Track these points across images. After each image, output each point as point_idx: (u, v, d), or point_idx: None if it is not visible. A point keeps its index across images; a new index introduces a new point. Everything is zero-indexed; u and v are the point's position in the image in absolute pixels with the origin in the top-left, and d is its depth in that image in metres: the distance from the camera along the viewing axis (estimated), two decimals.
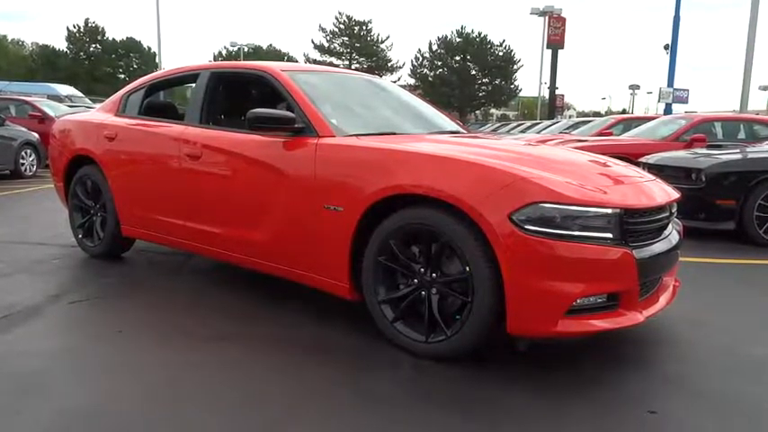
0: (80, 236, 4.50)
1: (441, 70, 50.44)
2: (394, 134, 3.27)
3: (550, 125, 19.05)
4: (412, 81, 50.74)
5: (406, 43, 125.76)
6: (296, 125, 3.07)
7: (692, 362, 2.74)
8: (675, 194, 2.97)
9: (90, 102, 20.84)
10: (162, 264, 4.40)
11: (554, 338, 2.64)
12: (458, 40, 50.22)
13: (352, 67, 52.29)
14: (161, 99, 4.47)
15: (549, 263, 2.34)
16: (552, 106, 36.72)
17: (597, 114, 66.67)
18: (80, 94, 23.75)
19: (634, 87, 62.70)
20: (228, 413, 2.17)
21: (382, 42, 52.12)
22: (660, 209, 2.73)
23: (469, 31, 50.12)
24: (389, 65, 52.07)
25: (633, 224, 2.51)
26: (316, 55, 52.56)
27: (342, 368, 2.61)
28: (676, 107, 20.98)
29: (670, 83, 20.18)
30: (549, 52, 35.84)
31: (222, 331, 3.00)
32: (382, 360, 2.66)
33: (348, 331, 2.99)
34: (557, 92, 37.08)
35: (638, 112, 60.22)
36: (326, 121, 3.10)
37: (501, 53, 49.87)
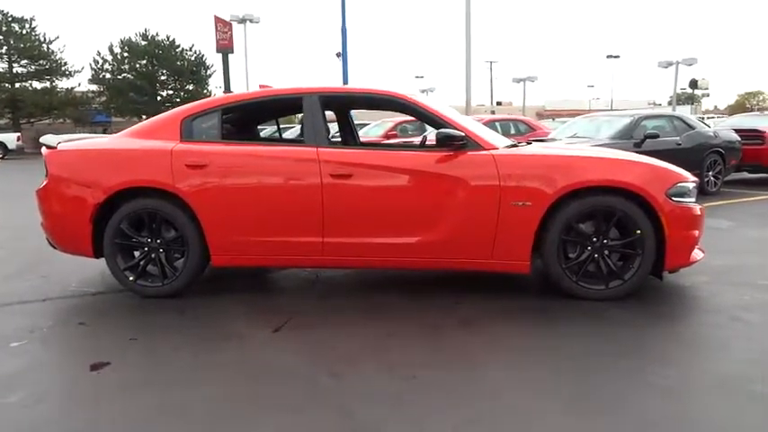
0: (131, 278, 4.02)
1: (126, 75, 46.85)
2: (516, 145, 4.19)
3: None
4: (94, 87, 46.01)
5: (83, 45, 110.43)
6: (462, 141, 3.76)
7: None
8: None
9: None
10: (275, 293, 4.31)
11: (686, 266, 3.99)
12: (143, 42, 47.40)
13: (14, 71, 44.54)
14: (247, 123, 4.28)
15: (686, 219, 3.76)
16: None
17: None
18: None
19: None
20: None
21: (51, 43, 45.52)
22: None
23: (155, 34, 47.80)
24: (64, 69, 45.85)
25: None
26: None
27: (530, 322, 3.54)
28: None
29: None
30: (238, 58, 36.69)
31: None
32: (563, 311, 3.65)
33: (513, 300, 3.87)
34: None
35: None
36: (484, 137, 3.87)
37: (192, 57, 48.92)
